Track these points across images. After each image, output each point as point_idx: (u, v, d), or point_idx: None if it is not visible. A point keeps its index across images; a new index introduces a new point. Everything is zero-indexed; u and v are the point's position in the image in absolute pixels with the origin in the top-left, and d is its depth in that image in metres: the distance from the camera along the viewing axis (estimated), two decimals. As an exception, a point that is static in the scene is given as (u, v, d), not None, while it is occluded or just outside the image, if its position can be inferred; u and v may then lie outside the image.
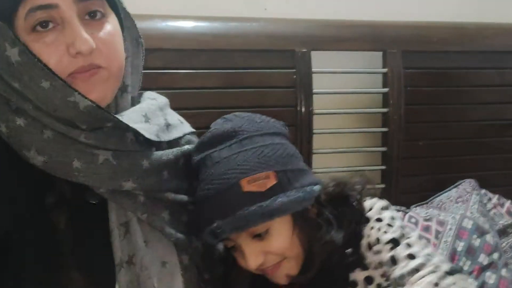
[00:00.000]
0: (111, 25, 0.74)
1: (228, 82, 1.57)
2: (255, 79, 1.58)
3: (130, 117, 0.76)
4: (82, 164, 0.71)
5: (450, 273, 0.79)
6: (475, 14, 1.89)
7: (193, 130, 0.92)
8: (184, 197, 0.83)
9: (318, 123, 1.64)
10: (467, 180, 1.73)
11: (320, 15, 1.72)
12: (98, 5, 0.72)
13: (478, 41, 1.80)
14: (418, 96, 1.75)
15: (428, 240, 1.36)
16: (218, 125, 0.86)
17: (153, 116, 0.80)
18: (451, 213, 1.49)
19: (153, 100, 0.85)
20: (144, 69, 0.87)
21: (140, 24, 0.84)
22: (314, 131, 1.63)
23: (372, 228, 0.84)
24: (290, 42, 1.63)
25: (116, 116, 0.74)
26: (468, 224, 1.40)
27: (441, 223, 1.42)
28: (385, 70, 1.72)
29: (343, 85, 1.75)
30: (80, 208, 0.75)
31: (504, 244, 1.50)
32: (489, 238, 1.38)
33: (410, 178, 1.72)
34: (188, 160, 0.85)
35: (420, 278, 0.78)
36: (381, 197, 0.93)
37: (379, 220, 0.86)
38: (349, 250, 0.84)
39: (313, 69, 1.63)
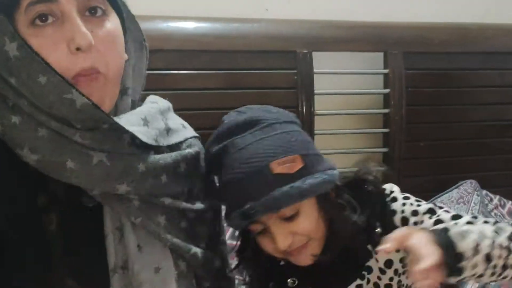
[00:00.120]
0: (111, 24, 0.73)
1: (229, 82, 1.57)
2: (257, 79, 1.59)
3: (128, 119, 0.74)
4: (76, 164, 0.69)
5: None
6: (477, 15, 1.89)
7: (196, 135, 0.89)
8: (181, 204, 0.81)
9: (319, 124, 1.64)
10: (468, 181, 1.73)
11: (321, 16, 1.73)
12: (99, 1, 0.72)
13: (480, 42, 1.80)
14: (419, 97, 1.75)
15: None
16: (233, 117, 0.86)
17: (153, 120, 0.78)
18: (452, 214, 1.49)
19: (154, 103, 0.83)
20: (145, 70, 0.87)
21: (141, 25, 0.83)
22: (316, 131, 1.63)
23: (404, 204, 0.88)
24: (292, 43, 1.63)
25: (114, 118, 0.73)
26: (469, 225, 1.40)
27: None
28: (386, 71, 1.72)
29: (344, 86, 1.76)
30: (74, 211, 0.73)
31: (505, 245, 1.50)
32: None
33: (411, 178, 1.72)
34: (191, 164, 0.84)
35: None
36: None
37: (406, 197, 0.89)
38: (378, 230, 0.86)
39: (315, 70, 1.63)
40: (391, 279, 0.88)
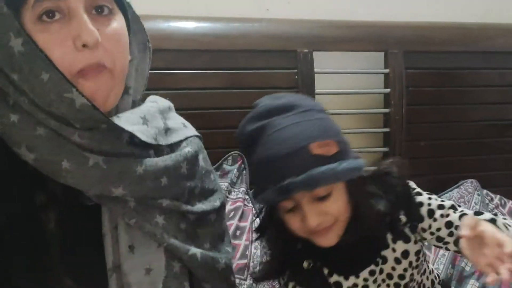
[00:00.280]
0: (117, 23, 0.73)
1: (230, 82, 1.57)
2: (257, 79, 1.59)
3: (127, 118, 0.74)
4: (71, 165, 0.69)
5: None
6: (477, 15, 1.89)
7: (197, 134, 0.90)
8: (181, 205, 0.80)
9: (320, 124, 1.64)
10: (469, 180, 1.73)
11: (322, 15, 1.73)
12: (106, 0, 0.72)
13: (480, 42, 1.80)
14: (419, 97, 1.75)
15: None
16: (270, 100, 0.90)
17: (152, 119, 0.78)
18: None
19: (153, 103, 0.83)
20: (146, 70, 0.86)
21: (142, 25, 0.84)
22: (316, 131, 1.62)
23: (429, 198, 0.94)
24: (292, 42, 1.63)
25: (113, 117, 0.72)
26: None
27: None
28: (387, 70, 1.72)
29: (345, 86, 1.76)
30: (73, 210, 0.73)
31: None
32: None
33: (411, 178, 1.71)
34: (192, 164, 0.84)
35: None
36: None
37: (429, 193, 0.96)
38: (403, 218, 0.92)
39: (315, 70, 1.64)
40: (405, 269, 0.93)
